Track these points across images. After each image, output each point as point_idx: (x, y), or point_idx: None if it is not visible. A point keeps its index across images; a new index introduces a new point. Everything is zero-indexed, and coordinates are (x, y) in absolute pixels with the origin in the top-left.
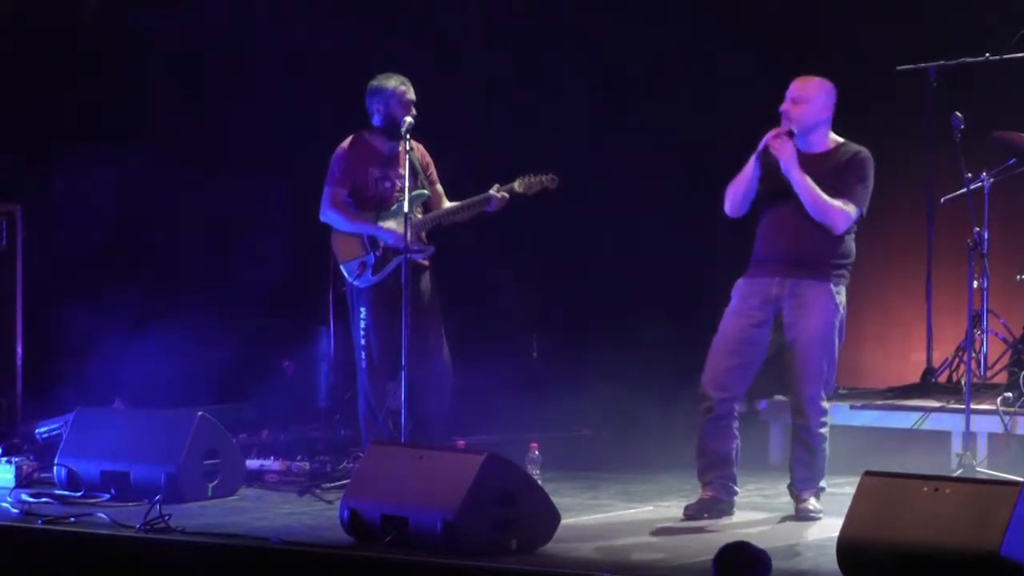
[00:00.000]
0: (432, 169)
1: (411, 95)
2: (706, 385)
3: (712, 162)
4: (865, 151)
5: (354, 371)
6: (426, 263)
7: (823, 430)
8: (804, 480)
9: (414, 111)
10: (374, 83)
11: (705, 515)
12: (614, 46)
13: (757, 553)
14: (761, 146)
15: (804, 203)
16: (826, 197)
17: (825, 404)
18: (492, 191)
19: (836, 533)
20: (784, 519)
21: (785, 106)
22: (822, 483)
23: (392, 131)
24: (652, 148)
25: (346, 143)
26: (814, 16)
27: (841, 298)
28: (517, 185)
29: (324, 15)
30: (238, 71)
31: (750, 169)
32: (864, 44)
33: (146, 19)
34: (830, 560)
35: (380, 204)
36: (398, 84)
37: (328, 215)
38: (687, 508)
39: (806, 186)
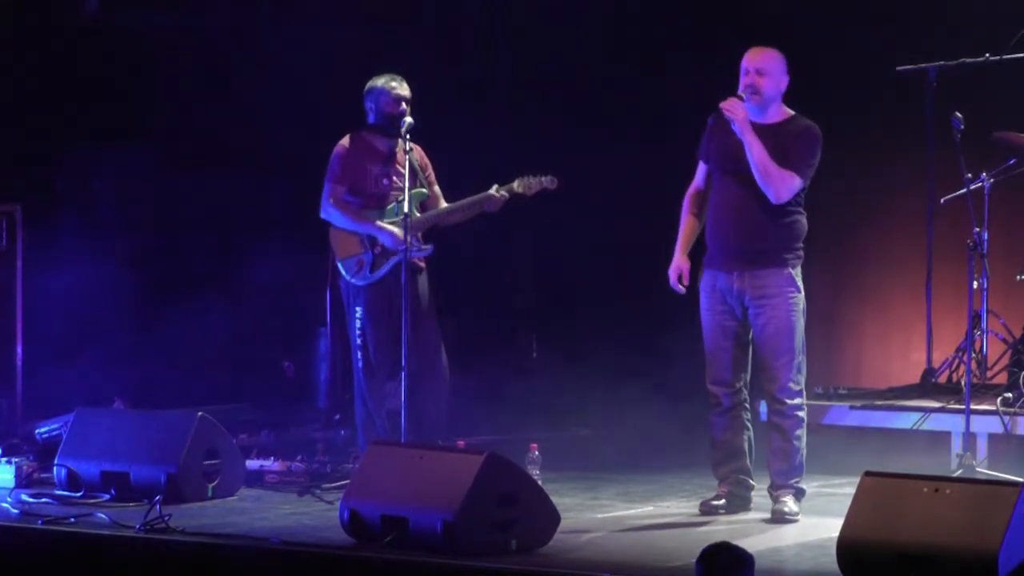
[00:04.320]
0: (430, 171)
1: (402, 91)
2: (709, 384)
3: None
4: (816, 127)
5: (352, 370)
6: (423, 264)
7: (800, 412)
8: (781, 473)
9: (405, 106)
10: (369, 83)
11: (721, 511)
12: (613, 45)
13: (739, 552)
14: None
15: (752, 165)
16: (774, 164)
17: (799, 388)
18: (491, 191)
19: (836, 533)
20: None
21: (751, 79)
22: (801, 483)
23: (387, 128)
24: (653, 147)
25: (345, 141)
26: (814, 16)
27: (800, 280)
28: (516, 185)
29: (324, 15)
30: (238, 71)
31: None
32: (864, 44)
33: (146, 19)
34: (830, 560)
35: (379, 201)
36: (387, 81)
37: (328, 212)
38: (703, 504)
39: (758, 149)
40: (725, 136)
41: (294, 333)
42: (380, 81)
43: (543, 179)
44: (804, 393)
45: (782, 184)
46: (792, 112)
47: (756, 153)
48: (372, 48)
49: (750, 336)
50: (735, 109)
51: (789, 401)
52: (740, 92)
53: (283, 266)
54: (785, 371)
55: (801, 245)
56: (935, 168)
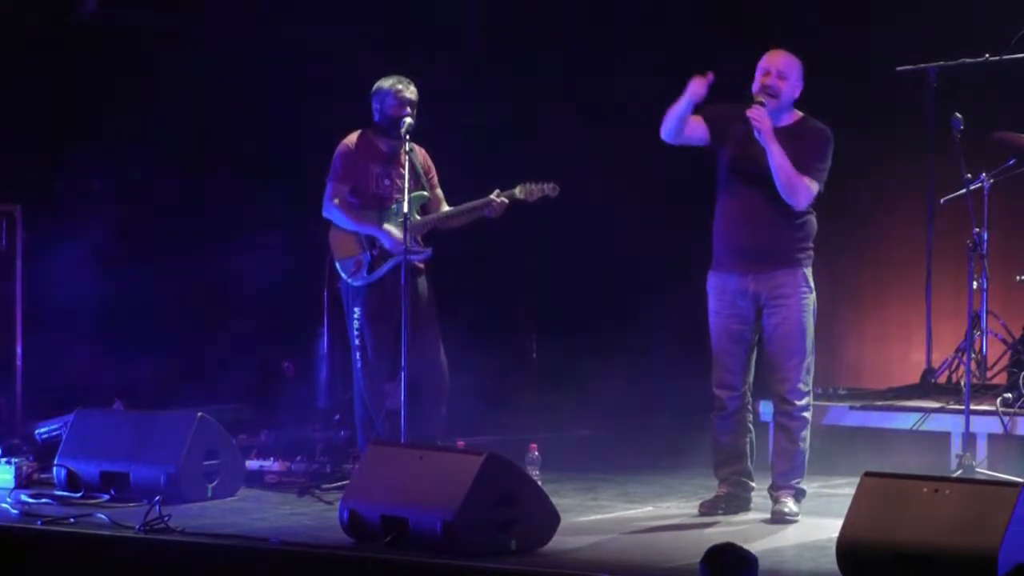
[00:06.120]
0: (433, 173)
1: (408, 94)
2: (714, 387)
3: (714, 164)
4: (828, 129)
5: (352, 370)
6: (422, 266)
7: (806, 414)
8: (783, 474)
9: (410, 110)
10: (377, 83)
11: (720, 511)
12: (614, 47)
13: (744, 553)
14: (689, 92)
15: (775, 174)
16: (796, 173)
17: (807, 389)
18: (492, 196)
19: (836, 533)
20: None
21: (772, 80)
22: (801, 484)
23: (391, 130)
24: (654, 148)
25: (349, 140)
26: (814, 16)
27: (811, 280)
28: (518, 191)
29: (325, 15)
30: (239, 72)
31: (682, 106)
32: (864, 44)
33: (147, 19)
34: (830, 560)
35: (380, 202)
36: (395, 83)
37: (331, 212)
38: (702, 504)
39: (781, 159)
40: (743, 139)
41: (294, 333)
42: (387, 83)
43: (545, 186)
44: (811, 394)
45: (803, 191)
46: (802, 114)
47: (780, 163)
48: (372, 48)
49: (757, 339)
50: (763, 119)
51: (798, 402)
52: (757, 94)
53: (283, 266)
54: (796, 372)
55: (812, 244)
56: (935, 168)
